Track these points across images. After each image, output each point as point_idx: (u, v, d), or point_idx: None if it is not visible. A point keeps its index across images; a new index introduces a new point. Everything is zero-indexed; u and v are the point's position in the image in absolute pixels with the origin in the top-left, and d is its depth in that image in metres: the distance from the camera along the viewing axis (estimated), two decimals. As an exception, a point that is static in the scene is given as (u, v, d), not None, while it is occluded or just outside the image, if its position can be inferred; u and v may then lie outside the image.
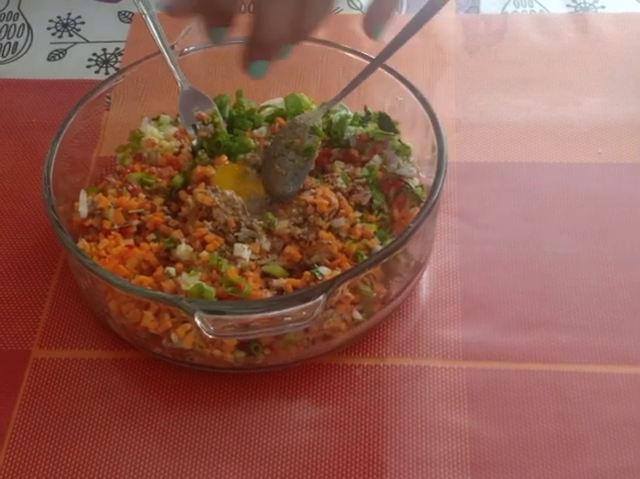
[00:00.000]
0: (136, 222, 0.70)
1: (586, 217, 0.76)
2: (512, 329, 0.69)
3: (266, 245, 0.68)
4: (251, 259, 0.67)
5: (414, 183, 0.71)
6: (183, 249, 0.67)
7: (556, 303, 0.70)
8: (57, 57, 0.95)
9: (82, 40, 0.97)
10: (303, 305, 0.59)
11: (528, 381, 0.66)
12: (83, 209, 0.70)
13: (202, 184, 0.71)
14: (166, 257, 0.68)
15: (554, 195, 0.78)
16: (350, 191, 0.71)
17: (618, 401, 0.65)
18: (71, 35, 0.98)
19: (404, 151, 0.73)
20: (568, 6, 0.95)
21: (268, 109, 0.79)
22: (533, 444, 0.63)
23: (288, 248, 0.68)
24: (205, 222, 0.68)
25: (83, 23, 0.98)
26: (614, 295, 0.70)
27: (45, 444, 0.65)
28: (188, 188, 0.72)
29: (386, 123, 0.75)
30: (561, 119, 0.84)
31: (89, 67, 0.94)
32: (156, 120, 0.79)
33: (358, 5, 0.97)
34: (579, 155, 0.81)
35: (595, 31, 0.92)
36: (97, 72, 0.93)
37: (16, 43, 0.97)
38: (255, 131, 0.77)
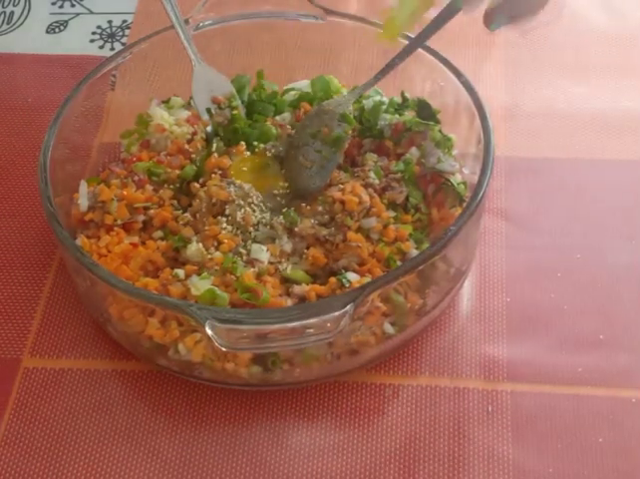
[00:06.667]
0: (141, 217, 0.70)
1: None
2: (565, 348, 0.68)
3: (287, 247, 0.68)
4: (270, 262, 0.67)
5: (456, 179, 0.71)
6: (194, 249, 0.67)
7: (617, 320, 0.70)
8: (57, 29, 0.96)
9: (85, 10, 0.97)
10: (328, 316, 0.58)
11: (581, 408, 0.65)
12: (83, 201, 0.70)
13: (217, 175, 0.71)
14: (175, 258, 0.68)
15: (617, 196, 0.77)
16: (383, 187, 0.71)
17: (684, 433, 0.64)
18: (73, 5, 0.98)
19: (445, 143, 0.72)
20: (636, -18, 0.95)
21: (293, 92, 0.79)
22: (586, 479, 0.62)
23: (312, 251, 0.67)
24: (220, 218, 0.69)
25: (87, -9, 0.99)
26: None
27: (35, 463, 0.65)
28: (201, 180, 0.72)
29: (425, 111, 0.75)
30: (625, 110, 0.83)
31: (92, 41, 0.94)
32: (166, 102, 0.79)
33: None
34: (646, 151, 0.80)
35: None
36: (101, 47, 0.93)
37: (12, 13, 0.98)
38: (278, 117, 0.77)
